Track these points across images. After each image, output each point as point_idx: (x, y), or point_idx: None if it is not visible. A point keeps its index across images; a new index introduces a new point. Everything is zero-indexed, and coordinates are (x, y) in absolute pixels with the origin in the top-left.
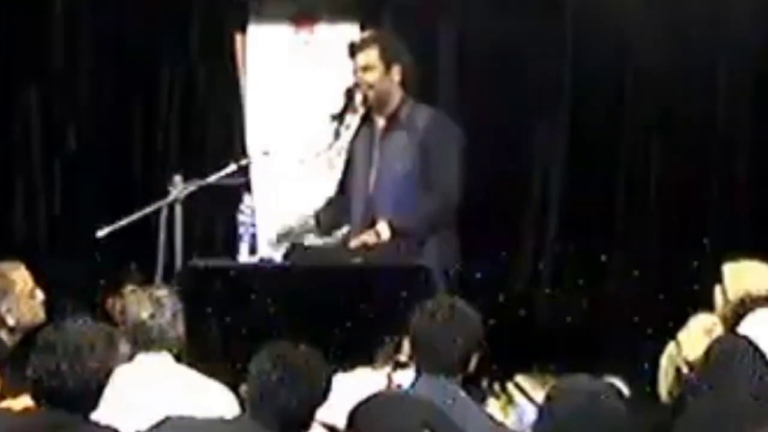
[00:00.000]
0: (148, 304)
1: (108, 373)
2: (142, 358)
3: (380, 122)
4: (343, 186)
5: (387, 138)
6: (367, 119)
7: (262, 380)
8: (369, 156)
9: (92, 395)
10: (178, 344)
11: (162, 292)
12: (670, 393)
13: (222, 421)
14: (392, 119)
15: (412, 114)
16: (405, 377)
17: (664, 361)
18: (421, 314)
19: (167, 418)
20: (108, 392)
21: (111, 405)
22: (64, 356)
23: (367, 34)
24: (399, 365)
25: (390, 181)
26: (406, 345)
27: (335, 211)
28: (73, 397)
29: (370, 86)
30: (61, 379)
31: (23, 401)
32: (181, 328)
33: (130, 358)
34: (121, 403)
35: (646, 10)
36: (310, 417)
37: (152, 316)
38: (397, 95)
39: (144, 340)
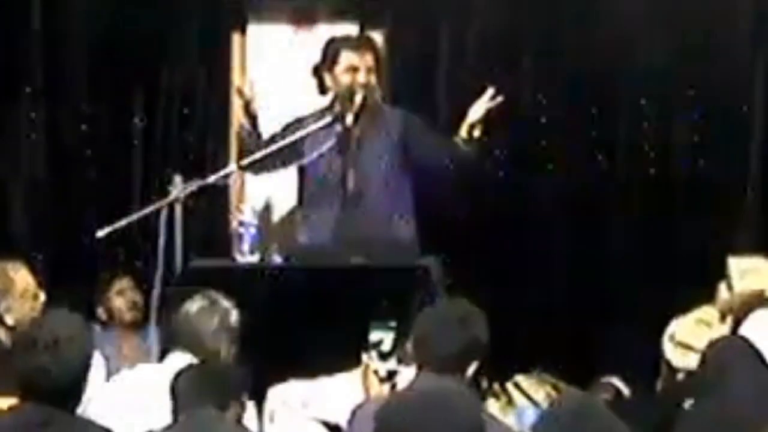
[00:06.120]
0: (208, 312)
1: (88, 361)
2: (171, 360)
3: (356, 128)
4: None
5: (365, 140)
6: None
7: None
8: (344, 162)
9: (76, 387)
10: (212, 357)
11: (226, 305)
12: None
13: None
14: (371, 122)
15: (385, 114)
16: (407, 375)
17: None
18: (426, 313)
19: None
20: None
21: (126, 403)
22: (45, 351)
23: (363, 35)
24: (399, 362)
25: (376, 180)
26: (407, 344)
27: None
28: (59, 391)
29: (372, 88)
30: (45, 374)
31: (9, 401)
32: (224, 346)
33: (161, 358)
34: (136, 402)
35: (646, 9)
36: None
37: (199, 321)
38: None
39: (181, 339)
